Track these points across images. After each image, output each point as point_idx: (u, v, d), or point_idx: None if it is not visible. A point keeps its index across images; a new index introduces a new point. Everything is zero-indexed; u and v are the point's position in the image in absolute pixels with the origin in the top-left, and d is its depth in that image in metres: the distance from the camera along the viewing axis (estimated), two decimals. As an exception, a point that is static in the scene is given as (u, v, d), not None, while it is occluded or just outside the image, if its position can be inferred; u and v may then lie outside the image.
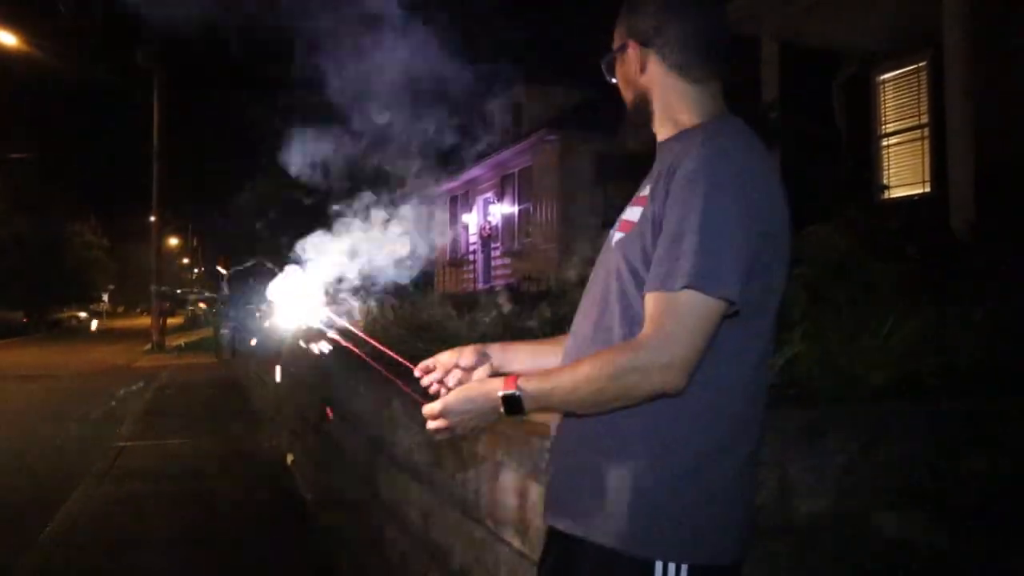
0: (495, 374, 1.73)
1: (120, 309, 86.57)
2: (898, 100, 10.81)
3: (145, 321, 24.95)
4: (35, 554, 5.01)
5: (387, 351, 1.86)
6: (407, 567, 3.40)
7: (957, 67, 7.42)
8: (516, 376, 1.49)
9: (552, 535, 1.64)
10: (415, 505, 3.35)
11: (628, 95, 1.73)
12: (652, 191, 1.53)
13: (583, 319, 1.65)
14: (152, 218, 28.42)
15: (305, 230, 2.17)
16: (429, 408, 1.57)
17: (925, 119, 10.22)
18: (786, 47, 9.65)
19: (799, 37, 9.80)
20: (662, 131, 1.68)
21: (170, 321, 37.42)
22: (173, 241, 60.41)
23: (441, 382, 1.75)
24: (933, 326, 3.69)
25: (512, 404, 1.46)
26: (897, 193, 10.68)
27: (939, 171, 9.15)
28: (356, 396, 4.58)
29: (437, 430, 1.56)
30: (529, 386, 1.46)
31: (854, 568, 2.66)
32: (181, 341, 27.56)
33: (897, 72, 10.71)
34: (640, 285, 1.48)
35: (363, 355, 1.96)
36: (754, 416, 1.50)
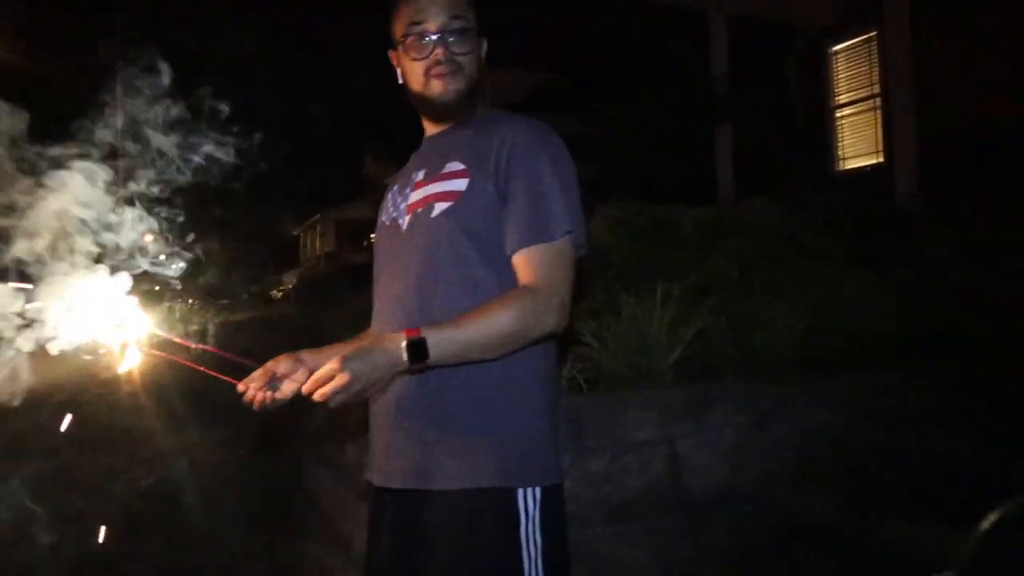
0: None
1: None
2: (851, 71, 10.75)
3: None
4: None
5: (223, 354, 1.78)
6: (323, 557, 3.38)
7: (897, 40, 7.42)
8: (416, 328, 1.49)
9: (383, 495, 1.67)
10: (326, 495, 3.34)
11: (471, 81, 1.72)
12: (472, 165, 1.63)
13: (404, 297, 1.64)
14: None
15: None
16: (326, 368, 1.45)
17: (877, 89, 10.20)
18: (734, 21, 9.61)
19: (747, 11, 9.76)
20: (457, 118, 1.74)
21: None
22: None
23: (262, 390, 1.65)
24: (845, 297, 3.69)
25: (417, 349, 1.45)
26: (852, 164, 10.69)
27: (890, 141, 9.17)
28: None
29: (335, 389, 1.44)
30: (435, 332, 1.48)
31: (749, 543, 2.66)
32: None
33: (849, 43, 10.66)
34: (481, 247, 1.58)
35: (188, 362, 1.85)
36: (556, 350, 1.68)
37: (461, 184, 1.62)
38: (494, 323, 1.50)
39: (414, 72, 1.70)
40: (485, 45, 1.76)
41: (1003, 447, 2.68)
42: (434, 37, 1.67)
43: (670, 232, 5.14)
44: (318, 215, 42.67)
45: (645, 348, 3.05)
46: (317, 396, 1.47)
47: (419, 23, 1.67)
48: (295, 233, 50.84)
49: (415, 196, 1.69)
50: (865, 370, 3.22)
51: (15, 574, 4.53)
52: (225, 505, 5.96)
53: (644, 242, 4.79)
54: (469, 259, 1.58)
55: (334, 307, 6.35)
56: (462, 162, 1.65)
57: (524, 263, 1.55)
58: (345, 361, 1.44)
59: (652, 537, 2.53)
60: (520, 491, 1.55)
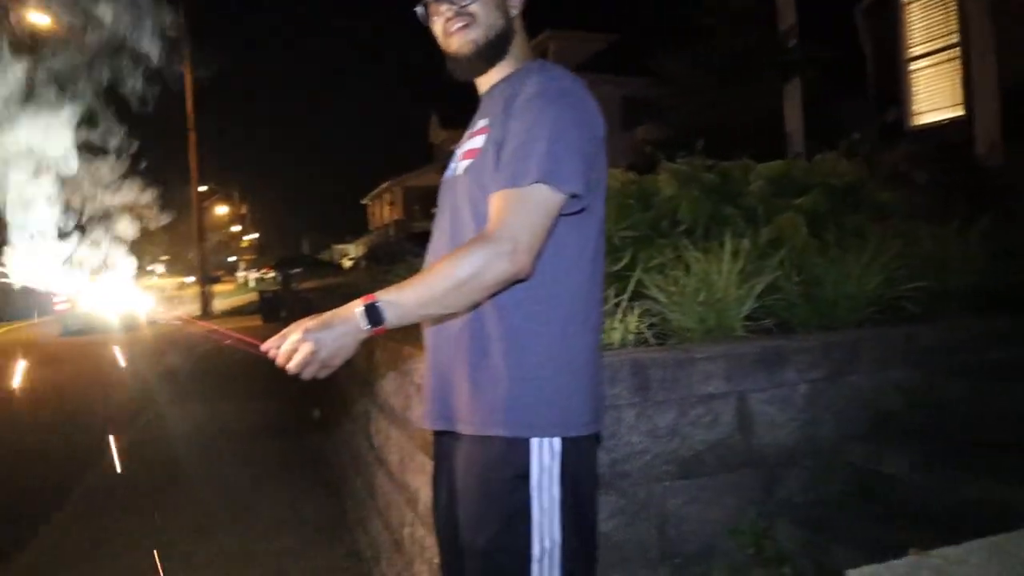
0: None
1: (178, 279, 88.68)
2: (926, 20, 10.31)
3: (195, 289, 26.11)
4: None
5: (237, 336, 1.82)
6: (390, 512, 3.44)
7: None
8: (374, 293, 1.51)
9: (439, 438, 1.78)
10: (394, 450, 3.38)
11: (491, 30, 1.70)
12: (492, 121, 1.63)
13: (440, 246, 1.72)
14: (200, 188, 28.64)
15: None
16: (292, 339, 1.51)
17: (956, 38, 9.75)
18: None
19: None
20: (496, 74, 1.74)
21: (221, 288, 38.20)
22: (222, 210, 61.18)
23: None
24: (922, 251, 3.57)
25: (373, 314, 1.47)
26: (929, 118, 10.29)
27: (970, 92, 8.77)
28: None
29: (303, 360, 1.50)
30: (388, 295, 1.49)
31: (820, 499, 2.61)
32: (227, 306, 28.18)
33: (924, -10, 10.25)
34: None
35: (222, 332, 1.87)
36: (594, 305, 1.65)
37: (480, 141, 1.66)
38: (443, 275, 1.47)
39: (438, 33, 1.75)
40: None
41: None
42: None
43: (739, 188, 5.01)
44: (386, 184, 43.07)
45: (714, 303, 3.00)
46: (290, 368, 1.52)
47: None
48: (363, 202, 51.40)
49: (468, 144, 1.73)
50: (942, 323, 3.11)
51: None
52: (296, 470, 6.13)
53: (712, 198, 4.68)
54: (483, 213, 1.58)
55: (400, 268, 6.40)
56: (487, 118, 1.68)
57: (491, 208, 1.53)
58: (307, 332, 1.50)
59: (721, 492, 2.50)
60: (535, 441, 1.54)
